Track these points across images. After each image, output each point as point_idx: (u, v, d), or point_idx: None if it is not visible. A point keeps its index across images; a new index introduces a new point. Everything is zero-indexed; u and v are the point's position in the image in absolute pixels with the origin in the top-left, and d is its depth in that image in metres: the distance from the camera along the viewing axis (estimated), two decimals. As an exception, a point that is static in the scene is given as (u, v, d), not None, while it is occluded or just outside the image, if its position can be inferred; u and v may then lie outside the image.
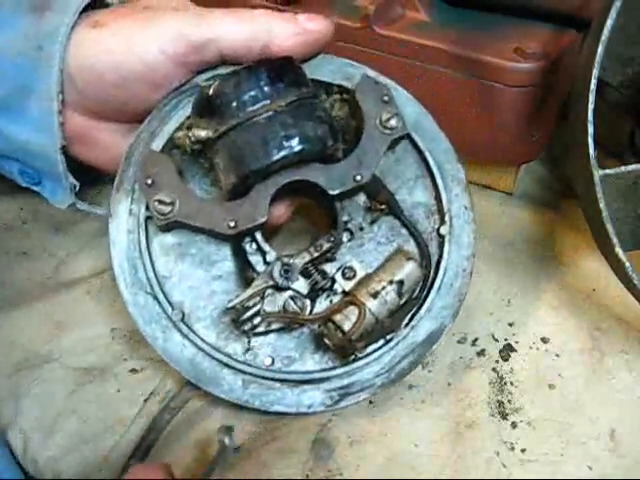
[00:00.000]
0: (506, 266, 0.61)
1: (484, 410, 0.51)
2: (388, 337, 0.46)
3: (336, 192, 0.45)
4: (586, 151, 0.48)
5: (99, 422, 0.50)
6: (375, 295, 0.44)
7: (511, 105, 0.58)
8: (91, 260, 0.62)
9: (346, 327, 0.43)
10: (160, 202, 0.43)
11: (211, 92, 0.44)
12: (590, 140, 0.48)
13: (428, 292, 0.47)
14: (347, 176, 0.45)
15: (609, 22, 0.47)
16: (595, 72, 0.47)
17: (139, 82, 0.46)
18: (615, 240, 0.48)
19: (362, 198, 0.49)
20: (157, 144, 0.46)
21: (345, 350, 0.45)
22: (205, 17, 0.45)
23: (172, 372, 0.52)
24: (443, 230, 0.48)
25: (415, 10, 0.61)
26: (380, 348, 0.46)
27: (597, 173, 0.48)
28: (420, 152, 0.49)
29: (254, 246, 0.46)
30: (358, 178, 0.45)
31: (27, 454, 0.50)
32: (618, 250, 0.48)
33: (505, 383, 0.52)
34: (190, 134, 0.44)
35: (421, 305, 0.47)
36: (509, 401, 0.51)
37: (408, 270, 0.45)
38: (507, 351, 0.54)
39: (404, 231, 0.48)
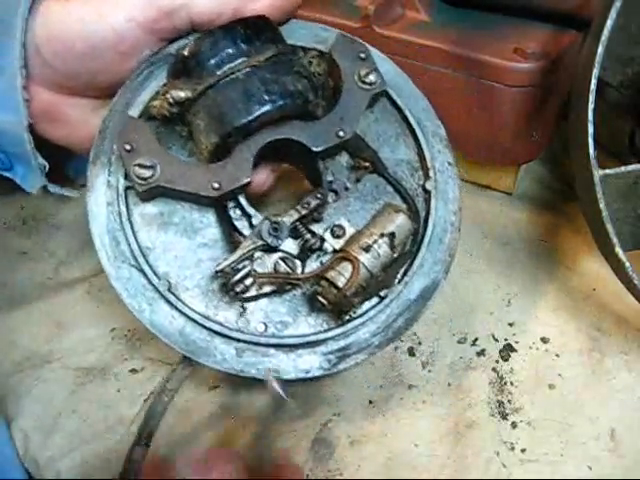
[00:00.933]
0: (506, 266, 0.61)
1: (484, 410, 0.51)
2: (382, 294, 0.45)
3: (320, 149, 0.45)
4: (586, 151, 0.48)
5: (99, 422, 0.50)
6: (367, 249, 0.43)
7: (511, 105, 0.58)
8: (91, 260, 0.61)
9: (340, 283, 0.42)
10: (141, 166, 0.42)
11: (187, 52, 0.43)
12: (590, 140, 0.48)
13: (418, 248, 0.47)
14: (330, 132, 0.45)
15: (609, 22, 0.47)
16: (595, 72, 0.47)
17: (108, 51, 0.45)
18: (615, 240, 0.48)
19: (345, 158, 0.48)
20: (132, 114, 0.46)
21: (340, 308, 0.44)
22: None
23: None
24: (429, 185, 0.48)
25: (415, 10, 0.61)
26: (375, 307, 0.45)
27: (597, 173, 0.48)
28: (399, 110, 0.49)
29: (238, 212, 0.45)
30: (341, 134, 0.45)
31: (27, 454, 0.50)
32: (618, 250, 0.48)
33: (505, 383, 0.52)
34: (168, 96, 0.43)
35: (413, 261, 0.46)
36: (509, 401, 0.51)
37: (398, 222, 0.44)
38: (507, 351, 0.54)
39: (389, 188, 0.48)
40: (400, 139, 0.49)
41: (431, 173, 0.48)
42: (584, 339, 0.55)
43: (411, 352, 0.54)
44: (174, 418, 0.50)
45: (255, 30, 0.44)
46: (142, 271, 0.44)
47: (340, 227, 0.45)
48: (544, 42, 0.57)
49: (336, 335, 0.44)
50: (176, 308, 0.43)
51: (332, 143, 0.45)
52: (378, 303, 0.45)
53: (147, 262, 0.44)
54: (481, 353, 0.54)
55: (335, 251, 0.45)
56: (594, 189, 0.48)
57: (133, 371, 0.53)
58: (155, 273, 0.44)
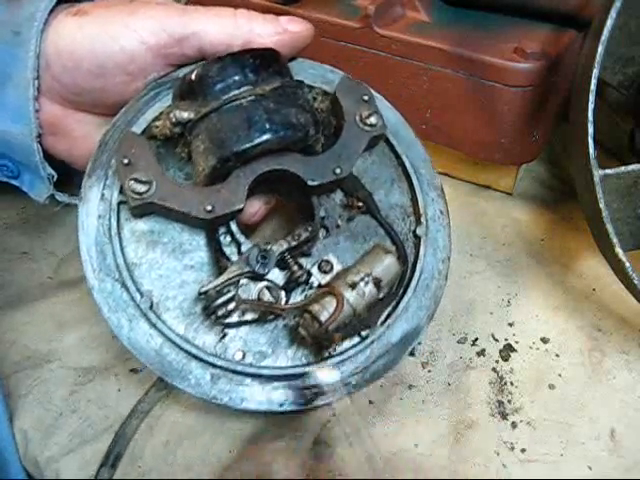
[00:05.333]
0: (506, 266, 0.61)
1: (484, 410, 0.51)
2: (364, 334, 0.45)
3: (315, 183, 0.45)
4: (586, 151, 0.48)
5: (99, 422, 0.50)
6: (353, 286, 0.43)
7: (511, 105, 0.58)
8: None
9: (323, 317, 0.42)
10: (136, 181, 0.42)
11: (194, 76, 0.44)
12: (590, 140, 0.48)
13: (404, 292, 0.47)
14: (327, 168, 0.45)
15: (609, 22, 0.47)
16: (595, 72, 0.47)
17: (117, 71, 0.46)
18: (615, 240, 0.48)
19: (339, 196, 0.48)
20: (135, 130, 0.46)
21: (321, 343, 0.43)
22: (188, 12, 0.46)
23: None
24: (419, 231, 0.48)
25: (415, 10, 0.61)
26: (355, 346, 0.45)
27: (597, 173, 0.48)
28: (397, 156, 0.50)
29: (228, 238, 0.45)
30: (337, 171, 0.45)
31: (27, 454, 0.50)
32: (618, 250, 0.49)
33: (505, 383, 0.52)
34: (171, 115, 0.44)
35: (397, 304, 0.46)
36: (509, 401, 0.51)
37: (386, 264, 0.44)
38: (507, 351, 0.54)
39: (380, 231, 0.48)
40: (395, 184, 0.50)
41: (423, 219, 0.48)
42: (584, 339, 0.55)
43: (411, 352, 0.54)
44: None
45: (263, 61, 0.44)
46: (125, 286, 0.43)
47: (328, 262, 0.46)
48: (544, 42, 0.57)
49: (314, 371, 0.44)
50: (155, 327, 0.43)
51: (328, 179, 0.45)
52: (359, 343, 0.45)
53: (131, 278, 0.44)
54: (481, 353, 0.54)
55: (321, 286, 0.45)
56: (594, 189, 0.48)
57: (133, 371, 0.53)
58: (138, 290, 0.44)
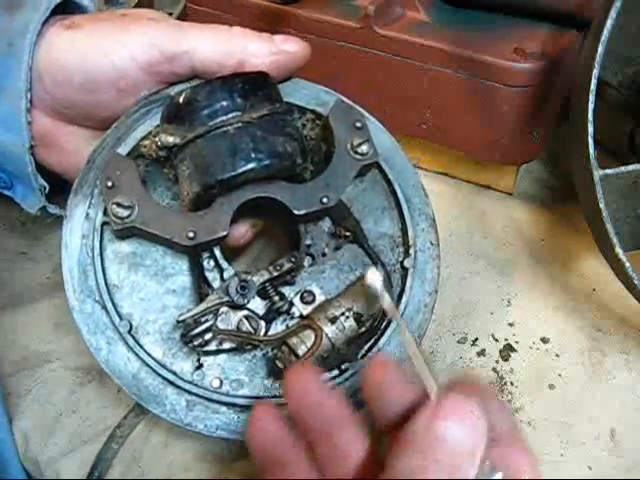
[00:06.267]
0: (506, 266, 0.61)
1: (484, 410, 0.51)
2: (343, 367, 0.44)
3: (301, 212, 0.44)
4: (586, 151, 0.48)
5: (99, 422, 0.50)
6: (333, 320, 0.43)
7: (511, 105, 0.58)
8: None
9: (300, 351, 0.41)
10: (119, 205, 0.42)
11: (182, 99, 0.43)
12: (590, 140, 0.48)
13: (387, 325, 0.45)
14: (314, 197, 0.44)
15: (609, 22, 0.47)
16: (595, 72, 0.47)
17: (107, 87, 0.45)
18: (615, 240, 0.48)
19: (327, 224, 0.47)
20: (122, 150, 0.45)
21: None
22: (182, 29, 0.45)
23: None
24: (407, 263, 0.47)
25: (415, 10, 0.61)
26: (334, 378, 0.44)
27: (597, 173, 0.48)
28: (389, 183, 0.49)
29: (212, 263, 0.45)
30: (324, 200, 0.44)
31: (27, 454, 0.50)
32: (618, 250, 0.48)
33: (505, 383, 0.52)
34: (157, 139, 0.43)
35: (380, 337, 0.45)
36: (509, 401, 0.51)
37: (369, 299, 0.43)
38: (507, 351, 0.54)
39: (367, 260, 0.47)
40: (386, 212, 0.49)
41: (411, 251, 0.47)
42: (584, 339, 0.55)
43: (411, 352, 0.54)
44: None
45: (253, 85, 0.44)
46: (105, 309, 0.43)
47: (311, 293, 0.45)
48: (544, 42, 0.57)
49: None
50: (133, 351, 0.43)
51: (314, 208, 0.45)
52: (338, 375, 0.44)
53: (112, 300, 0.44)
54: (481, 353, 0.54)
55: (302, 317, 0.44)
56: (594, 189, 0.48)
57: (133, 371, 0.53)
58: (118, 313, 0.43)
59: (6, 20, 0.46)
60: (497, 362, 0.54)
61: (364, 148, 0.46)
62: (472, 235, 0.64)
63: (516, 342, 0.55)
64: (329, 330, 0.42)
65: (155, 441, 0.49)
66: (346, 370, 0.44)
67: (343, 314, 0.43)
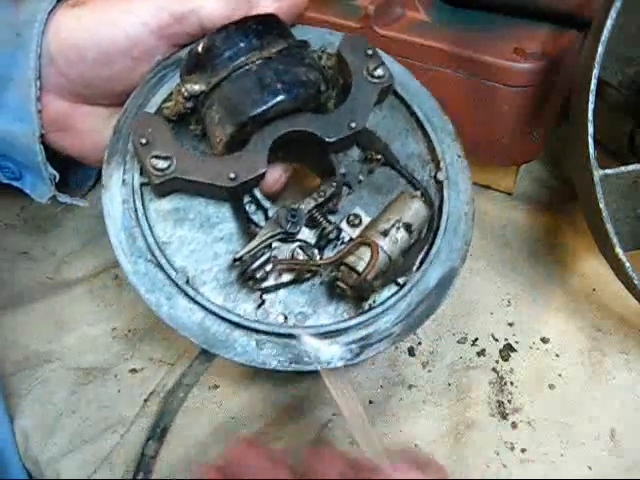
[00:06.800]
0: (506, 266, 0.61)
1: (484, 410, 0.51)
2: (401, 282, 0.45)
3: (333, 139, 0.45)
4: (586, 151, 0.48)
5: (99, 422, 0.50)
6: (385, 234, 0.43)
7: (511, 105, 0.58)
8: (91, 260, 0.62)
9: (360, 267, 0.42)
10: (157, 157, 0.43)
11: (200, 48, 0.44)
12: (590, 140, 0.48)
13: (434, 236, 0.47)
14: (342, 124, 0.45)
15: (609, 22, 0.47)
16: (595, 72, 0.47)
17: (122, 57, 0.46)
18: (615, 240, 0.48)
19: (357, 152, 0.49)
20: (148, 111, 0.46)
21: (361, 293, 0.44)
22: None
23: (172, 372, 0.53)
24: (440, 176, 0.48)
25: (415, 10, 0.61)
26: (394, 295, 0.45)
27: (597, 173, 0.48)
28: (408, 107, 0.50)
29: (254, 206, 0.46)
30: (353, 125, 0.45)
31: (27, 454, 0.50)
32: (618, 250, 0.49)
33: (505, 383, 0.52)
34: (183, 90, 0.44)
35: (429, 249, 0.47)
36: (509, 401, 0.51)
37: (415, 209, 0.45)
38: (507, 351, 0.54)
39: (402, 180, 0.48)
40: (410, 134, 0.50)
41: (442, 165, 0.49)
42: (584, 339, 0.55)
43: (411, 352, 0.54)
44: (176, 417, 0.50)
45: (266, 26, 0.45)
46: (159, 266, 0.44)
47: (356, 216, 0.46)
48: (544, 42, 0.57)
49: (357, 324, 0.44)
50: (194, 301, 0.43)
51: (344, 134, 0.45)
52: (397, 291, 0.45)
53: (164, 257, 0.44)
54: (481, 353, 0.54)
55: (352, 240, 0.45)
56: (594, 189, 0.48)
57: (133, 371, 0.53)
58: (172, 267, 0.44)
59: (13, 11, 0.46)
60: (497, 362, 0.54)
61: (380, 71, 0.47)
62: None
63: (516, 342, 0.55)
64: (383, 243, 0.43)
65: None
66: (404, 284, 0.45)
67: (393, 226, 0.44)
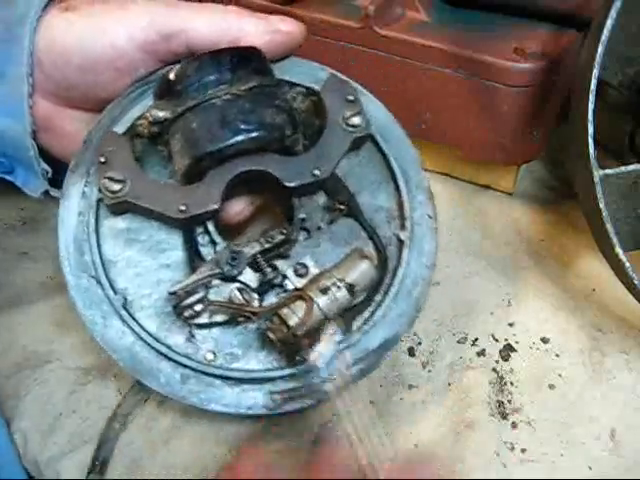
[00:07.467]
0: (506, 266, 0.61)
1: (484, 410, 0.51)
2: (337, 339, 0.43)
3: (292, 185, 0.44)
4: (586, 151, 0.48)
5: (99, 422, 0.50)
6: (325, 291, 0.42)
7: (511, 105, 0.58)
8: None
9: (291, 322, 0.41)
10: (110, 179, 0.43)
11: (172, 75, 0.44)
12: (590, 140, 0.48)
13: (384, 298, 0.45)
14: (305, 169, 0.45)
15: (609, 22, 0.47)
16: (595, 72, 0.47)
17: (105, 67, 0.46)
18: (615, 240, 0.48)
19: (322, 199, 0.47)
20: (119, 130, 0.46)
21: (290, 347, 0.42)
22: (177, 8, 0.46)
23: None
24: (403, 235, 0.46)
25: (415, 10, 0.61)
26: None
27: (597, 173, 0.48)
28: (385, 157, 0.48)
29: (206, 238, 0.45)
30: (317, 172, 0.45)
31: (27, 454, 0.50)
32: (618, 250, 0.49)
33: (505, 383, 0.52)
34: (149, 114, 0.44)
35: (375, 311, 0.45)
36: (509, 401, 0.51)
37: (362, 269, 0.43)
38: (507, 351, 0.54)
39: (363, 234, 0.47)
40: (382, 186, 0.48)
41: (407, 224, 0.47)
42: (584, 339, 0.55)
43: (411, 352, 0.54)
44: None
45: (242, 59, 0.44)
46: (100, 283, 0.43)
47: (304, 266, 0.44)
48: (544, 42, 0.57)
49: (285, 375, 0.43)
50: (128, 325, 0.43)
51: (306, 180, 0.45)
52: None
53: (107, 275, 0.44)
54: (481, 353, 0.54)
55: (296, 290, 0.44)
56: (594, 189, 0.48)
57: (133, 371, 0.53)
58: (112, 287, 0.44)
59: (6, 8, 0.46)
60: (497, 362, 0.54)
61: (356, 120, 0.46)
62: (472, 235, 0.64)
63: (516, 342, 0.55)
64: (320, 300, 0.42)
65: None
66: (340, 343, 0.43)
67: (334, 284, 0.42)
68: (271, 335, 0.42)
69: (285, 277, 0.44)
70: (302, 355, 0.43)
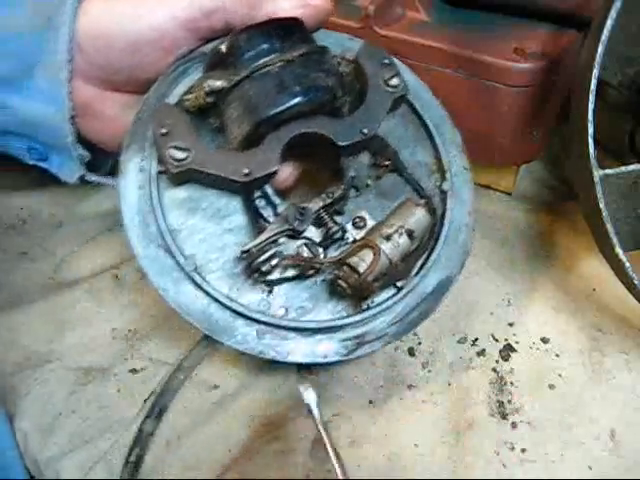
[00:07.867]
0: (506, 266, 0.61)
1: (484, 410, 0.51)
2: (399, 285, 0.47)
3: (344, 144, 0.47)
4: (586, 151, 0.48)
5: (99, 422, 0.50)
6: (388, 238, 0.45)
7: (511, 105, 0.58)
8: (92, 260, 0.62)
9: (361, 268, 0.44)
10: (175, 148, 0.44)
11: (224, 47, 0.45)
12: (590, 140, 0.48)
13: (435, 243, 0.49)
14: (354, 129, 0.47)
15: (609, 22, 0.47)
16: (595, 72, 0.47)
17: (149, 47, 0.47)
18: (615, 240, 0.48)
19: (367, 157, 0.50)
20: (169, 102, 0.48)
21: (360, 293, 0.45)
22: None
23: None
24: (445, 186, 0.50)
25: (415, 10, 0.61)
26: (392, 297, 0.47)
27: (597, 173, 0.48)
28: (419, 117, 0.52)
29: (264, 201, 0.47)
30: (365, 131, 0.47)
31: (27, 454, 0.50)
32: (618, 250, 0.49)
33: (505, 383, 0.52)
34: (205, 84, 0.45)
35: (429, 256, 0.48)
36: (509, 401, 0.51)
37: (418, 216, 0.46)
38: (507, 351, 0.54)
39: (408, 187, 0.50)
40: (419, 143, 0.52)
41: (447, 175, 0.50)
42: (584, 339, 0.55)
43: (411, 352, 0.54)
44: (174, 416, 0.50)
45: (288, 29, 0.46)
46: (169, 251, 0.45)
47: (361, 219, 0.48)
48: (544, 42, 0.57)
49: (354, 322, 0.46)
50: (201, 288, 0.45)
51: (356, 139, 0.47)
52: (395, 294, 0.47)
53: (175, 243, 0.45)
54: (481, 353, 0.54)
55: (356, 241, 0.47)
56: (594, 189, 0.48)
57: (133, 371, 0.53)
58: (182, 254, 0.45)
59: None
60: (497, 362, 0.54)
61: (395, 81, 0.49)
62: (472, 235, 0.64)
63: (516, 342, 0.55)
64: (385, 247, 0.45)
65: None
66: (402, 288, 0.47)
67: (396, 231, 0.46)
68: (342, 283, 0.45)
69: (345, 230, 0.48)
70: (371, 300, 0.46)
